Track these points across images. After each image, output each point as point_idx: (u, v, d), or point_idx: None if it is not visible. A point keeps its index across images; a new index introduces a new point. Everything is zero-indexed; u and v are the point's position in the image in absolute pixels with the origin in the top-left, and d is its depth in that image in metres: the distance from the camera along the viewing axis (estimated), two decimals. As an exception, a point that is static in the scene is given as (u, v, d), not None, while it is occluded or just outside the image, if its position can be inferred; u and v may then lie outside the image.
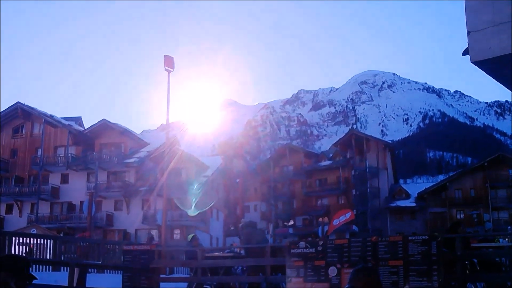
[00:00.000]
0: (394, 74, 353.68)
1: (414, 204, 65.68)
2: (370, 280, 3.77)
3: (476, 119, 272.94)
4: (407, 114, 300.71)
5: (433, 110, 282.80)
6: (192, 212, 45.98)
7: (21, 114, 52.90)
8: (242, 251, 13.20)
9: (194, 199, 46.91)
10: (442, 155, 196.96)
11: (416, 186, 77.39)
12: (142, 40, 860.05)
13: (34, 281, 3.70)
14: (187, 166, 48.93)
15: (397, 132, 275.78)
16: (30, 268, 3.77)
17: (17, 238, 16.96)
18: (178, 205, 44.09)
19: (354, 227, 60.49)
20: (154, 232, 47.71)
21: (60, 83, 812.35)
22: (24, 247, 17.41)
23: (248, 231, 12.99)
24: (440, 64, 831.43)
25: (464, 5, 5.39)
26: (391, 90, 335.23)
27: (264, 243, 12.67)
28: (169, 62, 23.19)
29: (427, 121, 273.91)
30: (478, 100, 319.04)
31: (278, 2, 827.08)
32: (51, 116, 53.05)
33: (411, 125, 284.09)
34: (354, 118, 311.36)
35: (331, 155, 73.06)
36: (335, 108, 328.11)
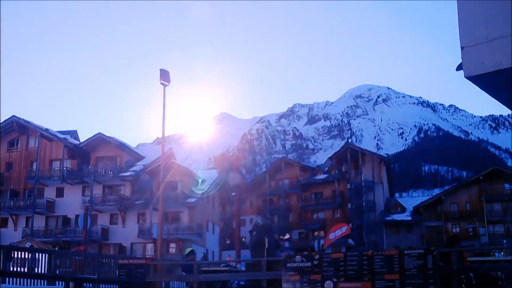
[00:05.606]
0: (389, 88, 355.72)
1: (409, 218, 65.64)
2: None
3: (471, 133, 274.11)
4: (402, 128, 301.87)
5: (428, 124, 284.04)
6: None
7: (17, 127, 52.77)
8: (238, 265, 13.10)
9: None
10: (437, 169, 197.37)
11: (411, 199, 77.33)
12: (138, 54, 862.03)
13: None
14: (182, 179, 48.90)
15: (392, 146, 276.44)
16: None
17: (11, 252, 16.85)
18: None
19: (350, 241, 60.41)
20: (150, 246, 47.60)
21: (55, 96, 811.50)
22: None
23: (255, 235, 12.20)
24: (435, 79, 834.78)
25: (457, 20, 5.46)
26: (386, 104, 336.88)
27: (271, 250, 11.70)
28: (165, 76, 23.30)
29: (422, 135, 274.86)
30: (472, 114, 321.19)
31: (272, 16, 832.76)
32: (47, 130, 52.97)
33: (406, 139, 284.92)
34: (349, 132, 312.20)
35: (326, 168, 73.16)
36: (330, 122, 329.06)
